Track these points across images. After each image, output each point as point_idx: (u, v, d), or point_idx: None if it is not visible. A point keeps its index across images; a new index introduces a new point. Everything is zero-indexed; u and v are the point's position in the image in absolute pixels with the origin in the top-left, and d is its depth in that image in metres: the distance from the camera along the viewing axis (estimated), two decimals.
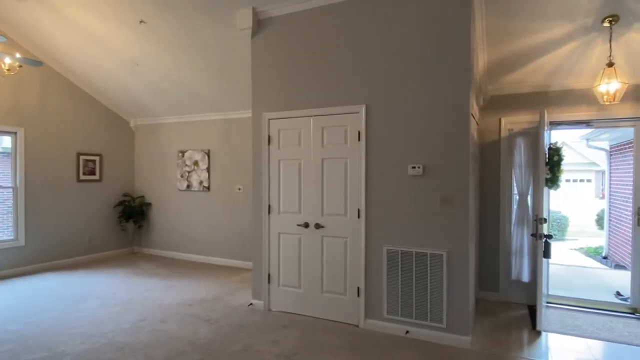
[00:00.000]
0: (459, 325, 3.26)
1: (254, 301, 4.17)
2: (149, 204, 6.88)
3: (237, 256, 6.05)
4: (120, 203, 6.69)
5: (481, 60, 3.96)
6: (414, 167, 3.36)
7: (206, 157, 6.28)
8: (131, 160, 7.04)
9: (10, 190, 5.41)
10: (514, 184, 4.40)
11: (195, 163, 6.39)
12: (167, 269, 5.79)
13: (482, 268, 4.51)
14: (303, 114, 3.89)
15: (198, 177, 6.36)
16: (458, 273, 3.26)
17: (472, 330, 3.41)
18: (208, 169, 6.28)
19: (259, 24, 4.06)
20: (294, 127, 3.94)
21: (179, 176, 6.55)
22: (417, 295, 3.38)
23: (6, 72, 4.17)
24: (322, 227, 3.81)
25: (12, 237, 5.40)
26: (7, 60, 4.12)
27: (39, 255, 5.65)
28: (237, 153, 6.04)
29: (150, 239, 6.91)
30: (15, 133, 5.40)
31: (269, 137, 4.06)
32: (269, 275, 4.08)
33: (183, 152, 6.50)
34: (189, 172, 6.46)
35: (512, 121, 4.40)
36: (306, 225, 3.87)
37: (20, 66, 4.18)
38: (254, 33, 4.07)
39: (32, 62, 3.76)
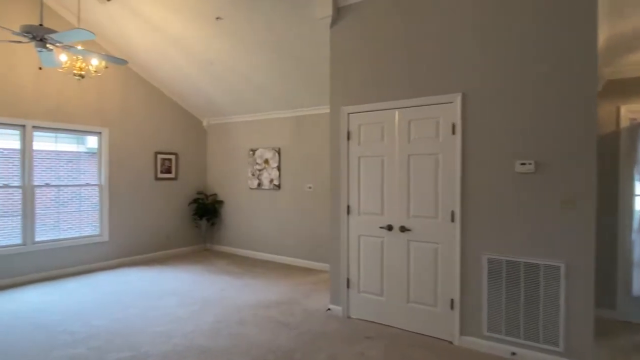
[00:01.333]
0: (579, 349, 2.75)
1: (332, 306, 3.92)
2: (221, 202, 6.96)
3: (307, 256, 5.88)
4: (194, 201, 6.83)
5: (600, 36, 3.36)
6: (523, 164, 2.89)
7: (277, 155, 6.18)
8: (204, 159, 7.17)
9: (96, 188, 5.69)
10: (636, 183, 3.71)
11: (266, 161, 6.32)
12: (239, 267, 5.77)
13: (596, 281, 3.87)
14: (387, 106, 3.56)
15: (269, 175, 6.29)
16: (579, 288, 2.74)
17: (594, 355, 2.87)
18: (278, 167, 6.17)
19: (339, 12, 3.80)
20: (377, 121, 3.63)
21: (249, 174, 6.53)
22: (526, 312, 2.91)
23: (93, 74, 4.31)
24: (408, 230, 3.45)
25: (97, 233, 5.68)
26: (94, 62, 4.26)
27: (120, 250, 5.90)
28: (308, 151, 5.86)
29: (222, 237, 6.98)
30: (100, 133, 5.67)
31: (348, 132, 3.79)
32: (348, 280, 3.81)
33: (254, 151, 6.47)
34: (259, 170, 6.41)
35: (635, 109, 3.71)
36: (389, 227, 3.55)
37: (107, 67, 4.31)
38: (333, 22, 3.82)
39: (118, 60, 3.82)
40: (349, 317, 3.80)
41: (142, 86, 6.14)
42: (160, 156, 6.41)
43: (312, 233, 5.82)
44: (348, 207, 3.80)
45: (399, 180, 3.50)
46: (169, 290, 4.65)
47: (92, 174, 5.68)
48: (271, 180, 6.25)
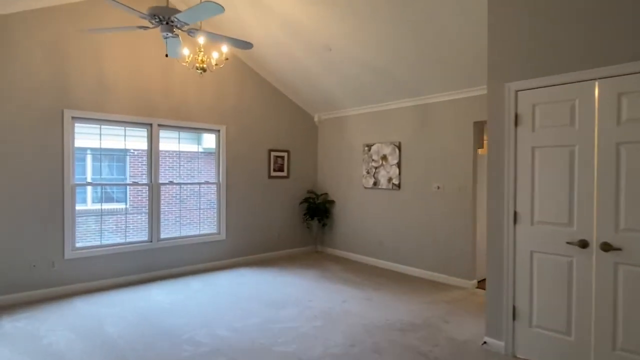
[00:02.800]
0: None
1: (488, 339, 3.08)
2: (332, 202, 6.49)
3: (432, 267, 5.06)
4: (305, 200, 6.48)
5: None
6: None
7: (396, 150, 5.47)
8: (314, 156, 6.79)
9: (214, 186, 5.62)
10: None
11: (384, 158, 5.65)
12: (355, 275, 5.20)
13: None
14: (579, 77, 2.60)
15: (386, 173, 5.61)
16: None
17: None
18: (398, 164, 5.45)
19: None
20: (562, 98, 2.69)
21: (364, 172, 5.94)
22: None
23: (214, 67, 4.10)
24: (617, 249, 2.46)
25: (215, 231, 5.61)
26: (215, 55, 4.03)
27: (236, 249, 5.77)
28: (435, 144, 5.03)
29: (333, 239, 6.51)
30: (218, 131, 5.59)
31: (516, 116, 2.91)
32: (514, 308, 2.94)
33: (369, 146, 5.85)
34: (375, 167, 5.76)
35: None
36: (583, 244, 2.59)
37: (227, 58, 4.06)
38: None
39: (243, 43, 3.49)
40: (515, 357, 2.92)
41: (256, 81, 5.94)
42: (273, 154, 6.16)
43: (440, 241, 4.98)
44: (515, 213, 2.92)
45: (601, 179, 2.53)
46: (286, 297, 4.26)
47: (209, 172, 5.63)
48: (390, 179, 5.56)
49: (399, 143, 5.45)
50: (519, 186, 2.90)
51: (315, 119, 6.69)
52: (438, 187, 5.02)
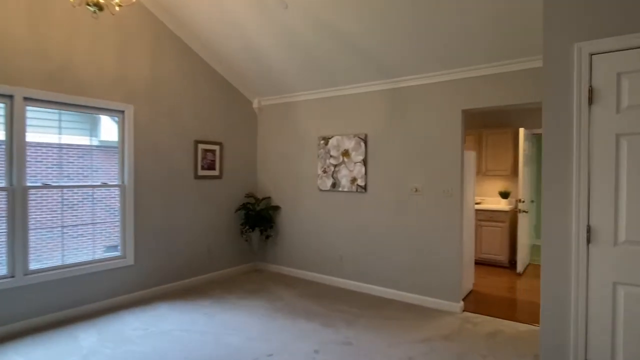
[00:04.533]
0: None
1: None
2: (277, 208, 5.24)
3: (409, 287, 4.14)
4: (243, 206, 5.13)
5: None
6: None
7: (362, 144, 4.44)
8: (254, 151, 5.46)
9: (117, 190, 4.01)
10: None
11: (345, 153, 4.58)
12: (317, 303, 4.05)
13: None
14: None
15: (349, 172, 4.55)
16: None
17: None
18: (364, 162, 4.43)
19: None
20: None
21: (320, 172, 4.81)
22: None
23: (116, 5, 2.62)
24: None
25: (118, 254, 4.00)
26: None
27: (150, 277, 4.22)
28: (412, 137, 4.11)
29: (280, 254, 5.27)
30: (123, 112, 3.99)
31: (591, 90, 2.03)
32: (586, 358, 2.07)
33: (327, 139, 4.74)
34: (335, 165, 4.67)
35: None
36: None
37: None
38: None
39: None
40: None
41: (178, 48, 4.44)
42: (201, 147, 4.71)
43: (419, 255, 4.08)
44: (589, 229, 2.05)
45: None
46: (234, 353, 2.94)
47: (109, 171, 3.99)
48: (353, 180, 4.52)
49: (365, 135, 4.43)
50: (595, 190, 2.03)
51: (255, 105, 5.37)
52: (416, 190, 4.10)
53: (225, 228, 5.04)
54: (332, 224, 4.74)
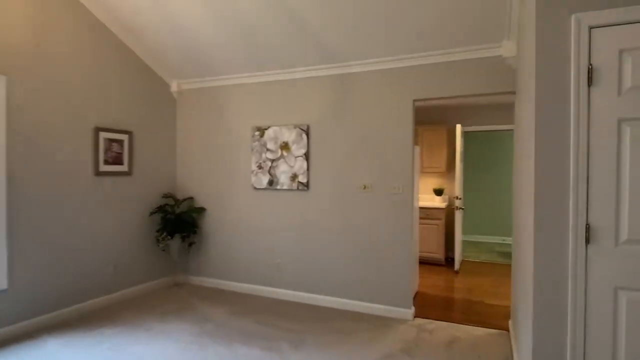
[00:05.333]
0: None
1: None
2: (201, 210, 4.49)
3: (356, 295, 3.76)
4: (160, 209, 4.29)
5: None
6: None
7: (304, 136, 3.94)
8: (172, 143, 4.64)
9: None
10: None
11: (285, 146, 4.04)
12: (254, 320, 3.45)
13: None
14: None
15: (289, 168, 4.02)
16: None
17: None
18: (307, 156, 3.94)
19: None
20: None
21: (254, 167, 4.19)
22: None
23: None
24: None
25: None
26: None
27: (34, 303, 3.23)
28: (360, 129, 3.73)
29: (205, 264, 4.53)
30: None
31: (590, 69, 1.78)
32: None
33: (262, 130, 4.15)
34: (272, 160, 4.10)
35: None
36: None
37: None
38: None
39: None
40: None
41: (72, 8, 3.49)
42: (104, 135, 3.79)
43: (367, 259, 3.71)
44: (588, 228, 1.79)
45: None
46: None
47: None
48: (294, 176, 4.00)
49: (308, 127, 3.94)
50: (595, 183, 1.78)
51: (173, 89, 4.55)
52: (364, 187, 3.72)
53: (137, 236, 4.16)
54: (268, 227, 4.16)
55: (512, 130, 5.81)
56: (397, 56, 3.52)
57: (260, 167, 4.16)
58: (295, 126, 3.97)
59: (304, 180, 3.95)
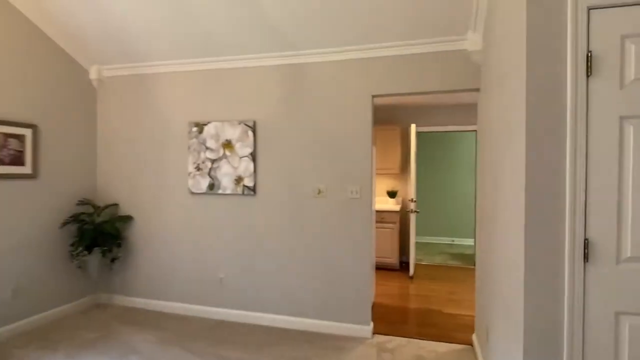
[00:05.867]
0: None
1: None
2: (127, 219, 3.84)
3: (314, 313, 3.36)
4: (75, 218, 3.59)
5: None
6: None
7: (250, 133, 3.47)
8: (92, 140, 3.92)
9: None
10: None
11: (228, 145, 3.53)
12: (190, 349, 2.91)
13: None
14: None
15: (233, 169, 3.52)
16: None
17: None
18: (253, 156, 3.47)
19: None
20: None
21: (191, 168, 3.64)
22: None
23: None
24: None
25: None
26: None
27: None
28: (313, 126, 3.34)
29: (132, 281, 3.88)
30: None
31: (589, 57, 1.52)
32: None
33: (201, 126, 3.60)
34: (213, 161, 3.58)
35: None
36: None
37: None
38: None
39: None
40: None
41: None
42: None
43: (325, 271, 3.33)
44: (587, 244, 1.53)
45: None
46: None
47: None
48: (238, 179, 3.51)
49: (254, 123, 3.47)
50: (594, 191, 1.53)
51: (93, 75, 3.85)
52: (319, 191, 3.33)
53: (44, 252, 3.43)
54: (209, 238, 3.63)
55: (465, 131, 5.75)
56: (356, 46, 3.17)
57: (198, 168, 3.61)
58: (240, 122, 3.48)
59: (250, 184, 3.47)
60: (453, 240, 7.41)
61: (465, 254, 6.45)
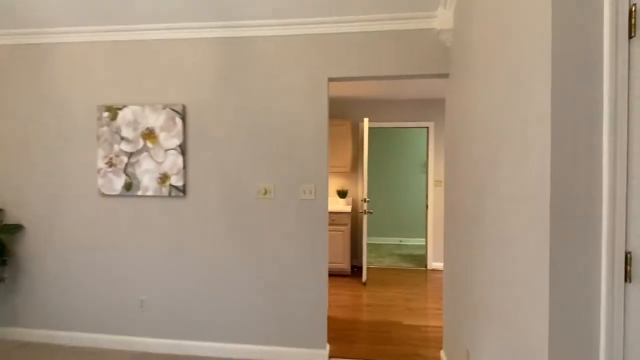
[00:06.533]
0: None
1: None
2: (16, 229, 2.99)
3: (259, 338, 2.81)
4: None
5: None
6: None
7: (178, 121, 2.81)
8: None
9: None
10: None
11: (149, 135, 2.85)
12: None
13: None
14: None
15: (156, 165, 2.84)
16: None
17: None
18: (182, 149, 2.82)
19: None
20: None
21: (102, 164, 2.89)
22: None
23: None
24: None
25: None
26: None
27: None
28: (257, 112, 2.78)
29: (22, 309, 3.03)
30: None
31: (632, 14, 1.15)
32: None
33: (114, 111, 2.87)
34: (130, 154, 2.87)
35: None
36: None
37: None
38: None
39: None
40: None
41: None
42: None
43: (272, 287, 2.79)
44: (628, 258, 1.16)
45: None
46: None
47: None
48: (163, 177, 2.84)
49: (184, 108, 2.83)
50: (638, 191, 1.16)
51: None
52: (265, 192, 2.78)
53: None
54: (126, 251, 2.91)
55: (417, 128, 5.50)
56: (311, 18, 2.66)
57: (111, 164, 2.88)
58: (166, 106, 2.82)
59: (179, 183, 2.82)
60: (401, 241, 7.21)
61: (414, 255, 6.24)
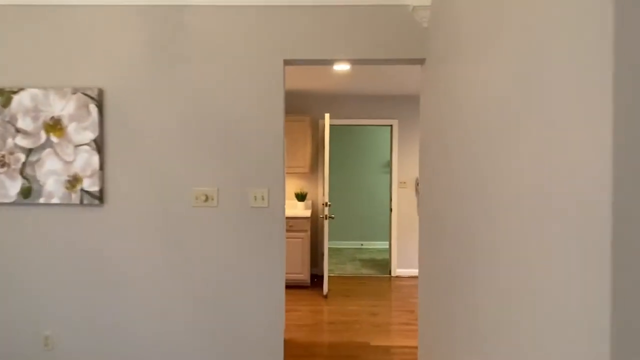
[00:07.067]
0: None
1: None
2: None
3: None
4: None
5: None
6: None
7: (92, 108, 2.21)
8: None
9: None
10: None
11: (54, 127, 2.22)
12: None
13: None
14: None
15: (63, 165, 2.22)
16: None
17: None
18: (98, 144, 2.22)
19: None
20: None
21: None
22: None
23: None
24: None
25: None
26: None
27: None
28: (196, 100, 2.25)
29: None
30: None
31: None
32: None
33: (7, 95, 2.22)
34: (29, 151, 2.22)
35: None
36: None
37: None
38: None
39: None
40: None
41: None
42: None
43: (216, 311, 2.27)
44: None
45: None
46: None
47: None
48: (74, 180, 2.22)
49: (100, 92, 2.23)
50: None
51: None
52: (206, 198, 2.25)
53: None
54: (25, 274, 2.27)
55: (379, 126, 5.16)
56: None
57: (3, 163, 2.22)
58: (76, 90, 2.21)
59: (94, 188, 2.22)
60: (362, 244, 6.87)
61: (377, 260, 5.91)
